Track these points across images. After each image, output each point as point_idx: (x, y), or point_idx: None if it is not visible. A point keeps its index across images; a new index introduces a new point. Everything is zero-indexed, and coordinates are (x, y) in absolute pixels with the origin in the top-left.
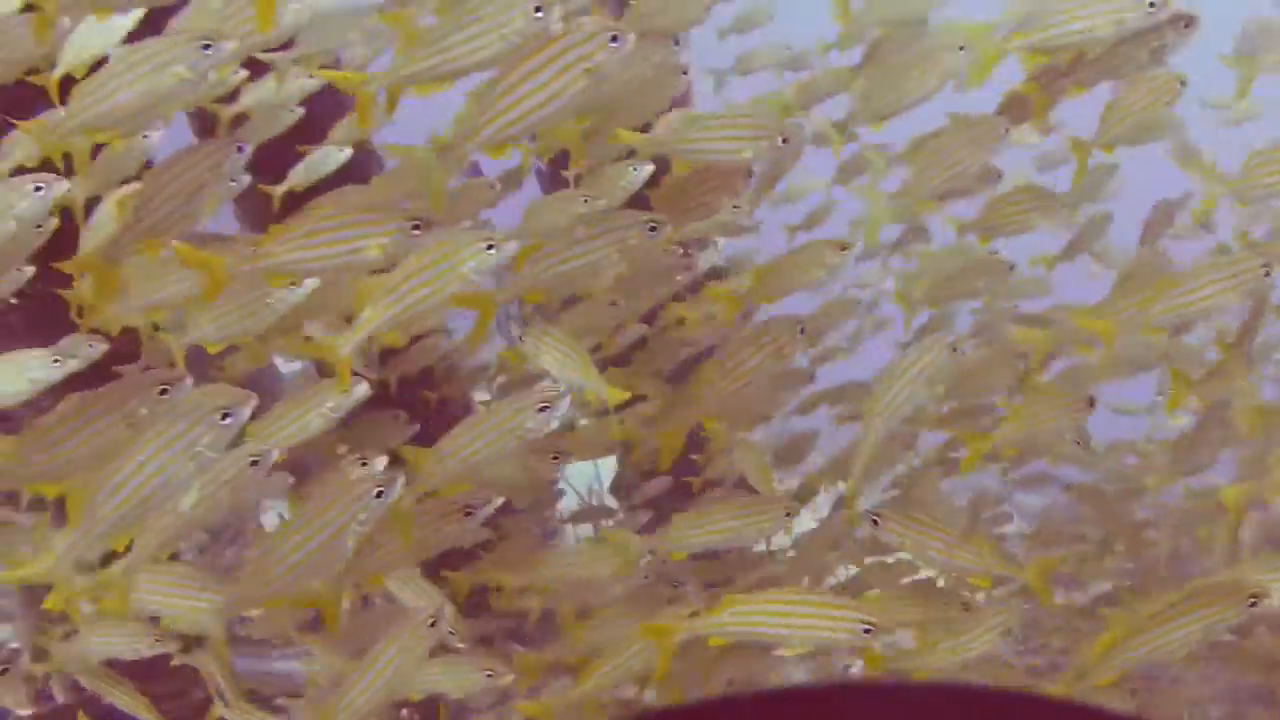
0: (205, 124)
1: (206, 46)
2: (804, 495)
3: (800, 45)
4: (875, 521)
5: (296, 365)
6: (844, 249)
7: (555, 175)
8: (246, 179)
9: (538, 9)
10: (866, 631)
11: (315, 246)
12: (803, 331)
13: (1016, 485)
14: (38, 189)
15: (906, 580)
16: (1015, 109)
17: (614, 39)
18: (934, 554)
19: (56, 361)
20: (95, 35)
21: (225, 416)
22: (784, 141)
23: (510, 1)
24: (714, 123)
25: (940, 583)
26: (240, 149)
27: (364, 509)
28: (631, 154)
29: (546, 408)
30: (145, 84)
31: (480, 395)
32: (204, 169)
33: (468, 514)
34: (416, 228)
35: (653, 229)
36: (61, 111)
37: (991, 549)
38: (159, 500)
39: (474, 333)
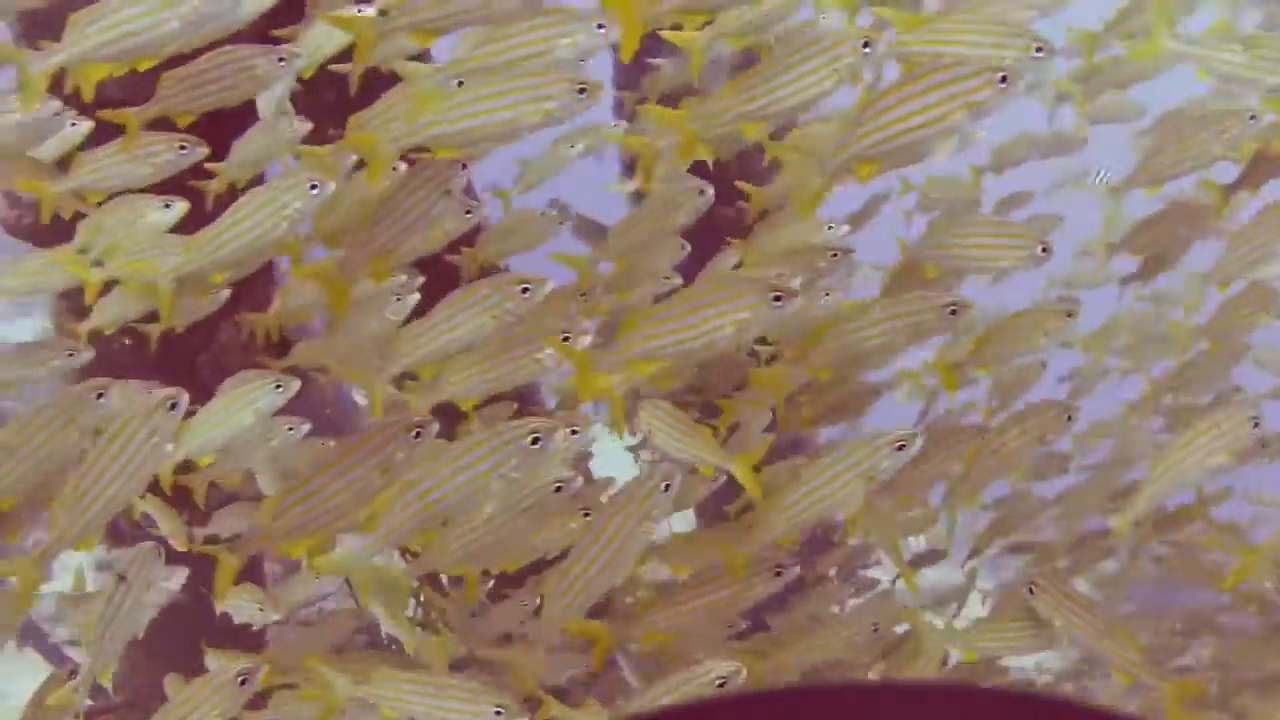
0: None
1: (582, 90)
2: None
3: None
4: (1031, 589)
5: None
6: (1070, 315)
7: None
8: (481, 206)
9: (866, 44)
10: None
11: (675, 331)
12: (1070, 419)
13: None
14: (313, 188)
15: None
16: (1256, 176)
17: (1003, 79)
18: (1080, 634)
19: (279, 388)
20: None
21: (535, 440)
22: (1043, 251)
23: (839, 37)
24: (974, 230)
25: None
26: (464, 167)
27: (656, 506)
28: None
29: (903, 446)
30: (509, 114)
31: None
32: (431, 190)
33: (777, 574)
34: (778, 299)
35: (954, 312)
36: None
37: (1137, 645)
38: (458, 511)
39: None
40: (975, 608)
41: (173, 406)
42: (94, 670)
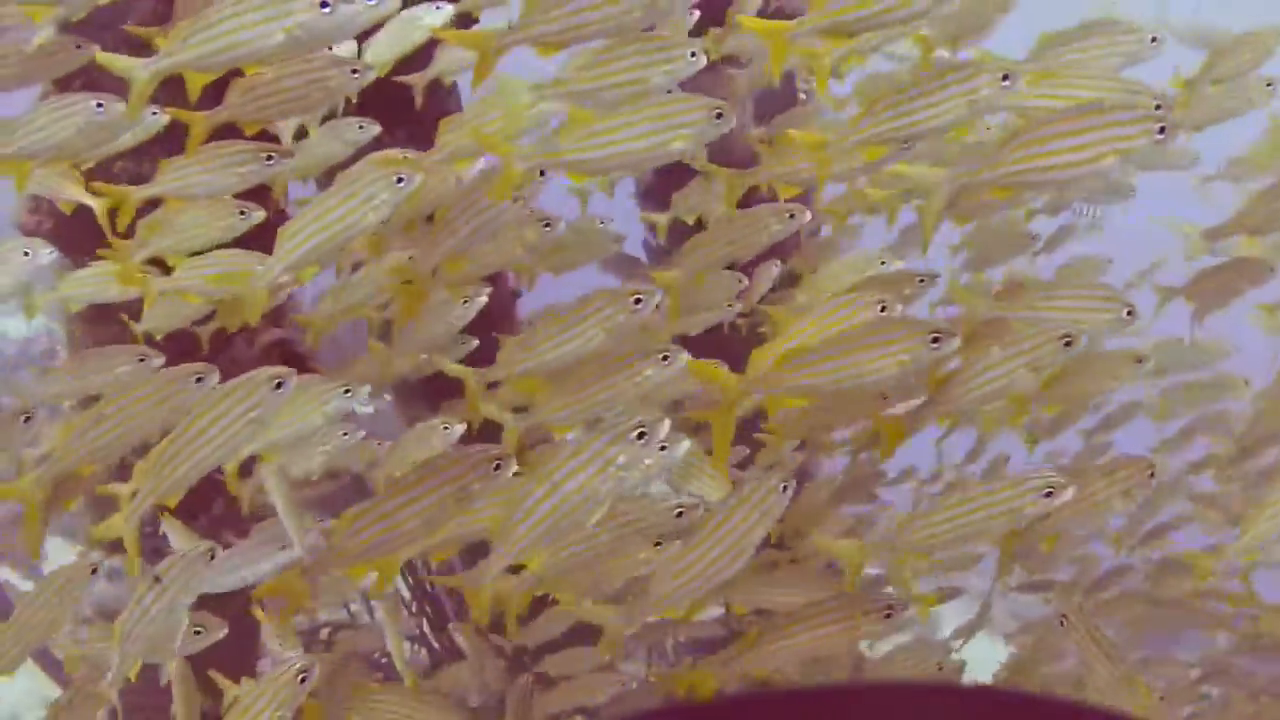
0: None
1: (719, 115)
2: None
3: None
4: (1062, 622)
5: (369, 409)
6: (1139, 361)
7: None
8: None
9: (1005, 77)
10: None
11: (834, 370)
12: (1151, 475)
13: None
14: (399, 181)
15: None
16: None
17: (1161, 130)
18: (1098, 677)
19: (348, 392)
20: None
21: (641, 435)
22: (1128, 314)
23: (976, 68)
24: (1057, 294)
25: None
26: (542, 173)
27: (777, 505)
28: None
29: (1051, 493)
30: (650, 140)
31: None
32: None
33: (888, 616)
34: (936, 340)
35: (1068, 343)
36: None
37: (1154, 702)
38: (574, 521)
39: (887, 446)
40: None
41: (279, 385)
42: (120, 672)
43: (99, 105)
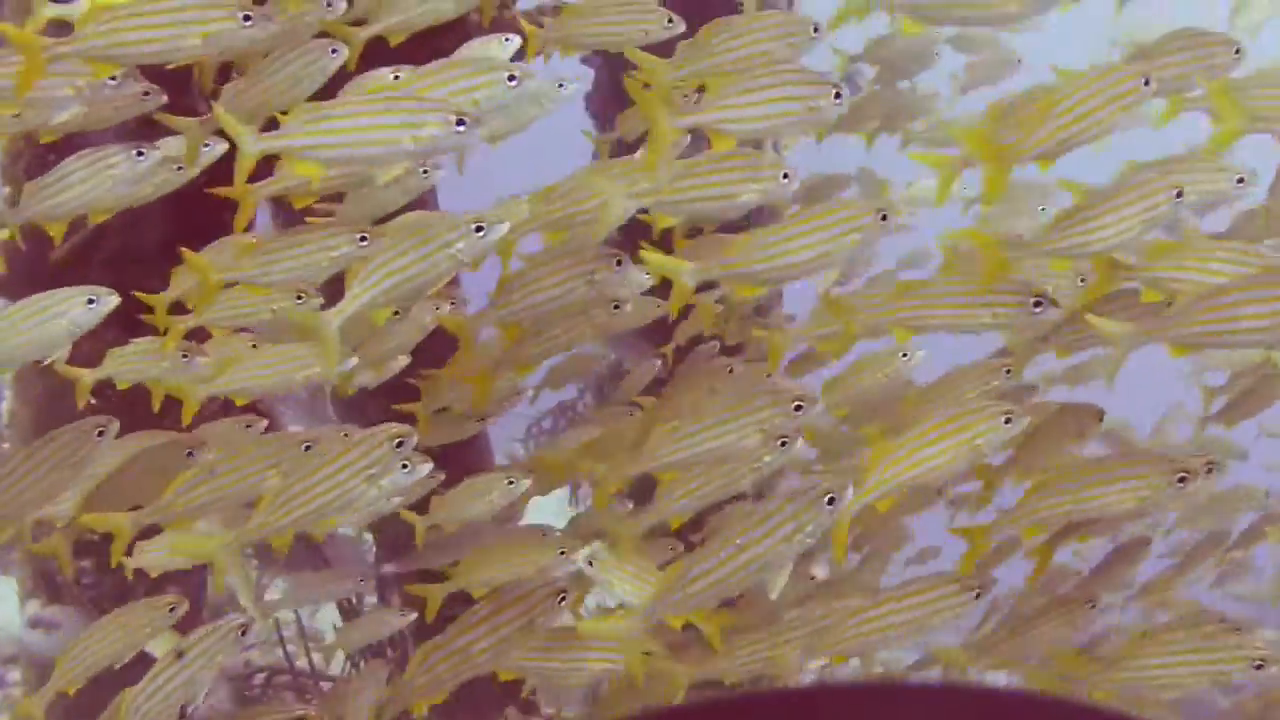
0: None
1: (884, 217)
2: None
3: None
4: None
5: None
6: (1182, 484)
7: None
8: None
9: (1179, 194)
10: None
11: (1075, 502)
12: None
13: None
14: (478, 229)
15: None
16: None
17: None
18: None
19: (406, 468)
20: None
21: (830, 501)
22: (1180, 481)
23: (1152, 185)
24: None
25: None
26: (619, 264)
27: (949, 610)
28: None
29: (1261, 666)
30: (813, 252)
31: None
32: (572, 275)
33: None
34: (1183, 479)
35: (1182, 480)
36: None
37: None
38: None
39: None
40: None
41: (399, 445)
42: None
43: (140, 154)
